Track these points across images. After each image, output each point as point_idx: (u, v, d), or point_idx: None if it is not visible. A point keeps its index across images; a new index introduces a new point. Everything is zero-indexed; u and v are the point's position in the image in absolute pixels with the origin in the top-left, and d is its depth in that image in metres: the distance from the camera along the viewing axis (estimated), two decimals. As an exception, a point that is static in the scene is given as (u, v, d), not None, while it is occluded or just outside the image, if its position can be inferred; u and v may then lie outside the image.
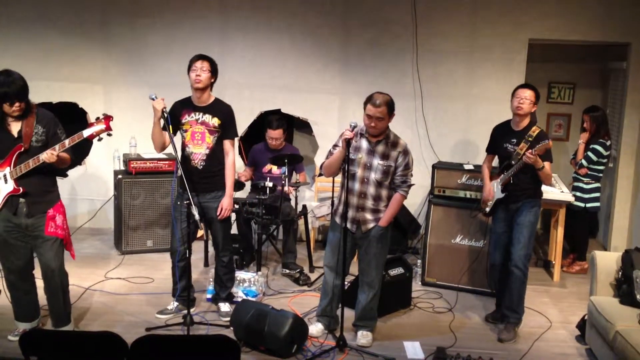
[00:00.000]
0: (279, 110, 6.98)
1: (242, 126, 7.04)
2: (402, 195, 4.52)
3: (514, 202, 4.80)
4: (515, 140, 4.73)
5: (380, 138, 4.43)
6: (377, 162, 4.42)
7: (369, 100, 4.37)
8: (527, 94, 4.71)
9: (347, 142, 4.29)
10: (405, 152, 4.47)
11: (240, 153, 7.15)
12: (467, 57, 6.83)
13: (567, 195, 6.04)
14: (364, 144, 4.44)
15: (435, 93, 6.88)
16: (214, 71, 4.76)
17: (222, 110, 4.84)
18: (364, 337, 4.64)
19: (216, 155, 4.83)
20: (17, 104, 4.04)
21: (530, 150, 4.53)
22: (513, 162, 4.71)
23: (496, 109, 6.34)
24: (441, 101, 6.90)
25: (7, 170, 4.13)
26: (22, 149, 4.12)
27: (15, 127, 4.15)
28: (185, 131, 4.77)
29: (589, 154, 6.16)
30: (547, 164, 4.65)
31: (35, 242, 4.27)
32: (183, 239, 4.78)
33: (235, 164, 4.96)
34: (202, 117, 4.78)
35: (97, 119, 4.25)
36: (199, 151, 4.77)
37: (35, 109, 4.20)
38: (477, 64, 6.83)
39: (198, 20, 6.98)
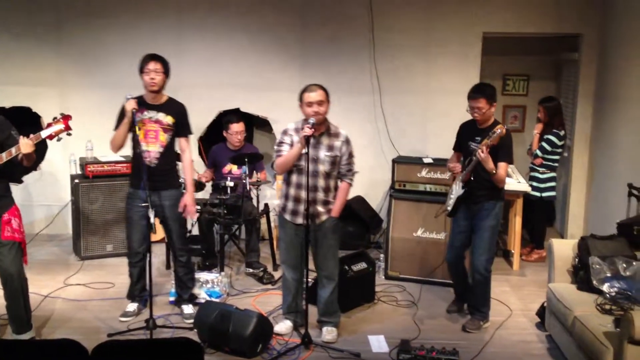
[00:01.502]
0: (237, 110, 6.94)
1: (200, 127, 6.99)
2: (349, 184, 4.64)
3: (474, 202, 4.78)
4: (479, 138, 4.66)
5: (322, 130, 4.49)
6: (323, 154, 4.47)
7: (304, 90, 4.47)
8: (480, 104, 4.64)
9: (307, 139, 4.30)
10: (348, 141, 4.58)
11: (200, 154, 7.09)
12: (424, 51, 6.89)
13: (523, 186, 6.15)
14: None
15: (394, 88, 6.93)
16: (167, 71, 4.73)
17: (176, 108, 4.82)
18: (329, 333, 4.66)
19: (169, 154, 4.82)
20: None
21: (484, 142, 4.47)
22: (474, 157, 4.65)
23: (454, 102, 6.41)
24: (400, 95, 6.95)
25: (-41, 175, 4.04)
26: None
27: None
28: (139, 129, 4.71)
29: (544, 144, 6.29)
30: (502, 165, 4.60)
31: None
32: (140, 239, 4.77)
33: (192, 161, 4.92)
34: (155, 115, 4.74)
35: (55, 118, 4.18)
36: (152, 149, 4.72)
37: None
38: (433, 58, 6.90)
39: (154, 20, 6.89)
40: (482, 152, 4.47)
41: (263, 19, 6.90)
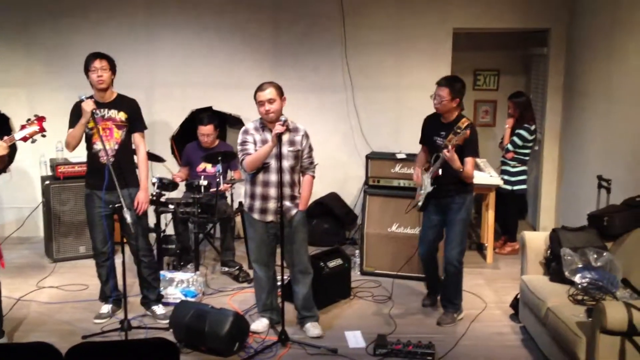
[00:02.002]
0: (210, 108, 6.90)
1: (173, 126, 6.94)
2: (312, 176, 4.72)
3: (443, 196, 4.81)
4: (444, 133, 4.67)
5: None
6: (286, 149, 4.49)
7: (257, 89, 4.50)
8: (442, 92, 4.67)
9: (279, 137, 4.31)
10: (307, 135, 4.64)
11: (172, 153, 7.03)
12: (395, 47, 6.92)
13: (495, 179, 6.21)
14: (268, 135, 4.48)
15: (366, 84, 6.95)
16: (113, 68, 4.70)
17: (127, 104, 4.79)
18: (315, 328, 4.68)
19: (126, 150, 4.78)
20: None
21: (449, 139, 4.48)
22: (441, 154, 4.66)
23: (425, 98, 6.35)
24: (372, 92, 6.98)
25: None
26: None
27: None
28: (91, 129, 4.64)
29: (515, 138, 6.36)
30: (469, 160, 4.63)
31: None
32: (102, 239, 4.77)
33: (147, 157, 4.90)
34: (107, 112, 4.70)
35: (29, 120, 4.13)
36: (108, 147, 4.64)
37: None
38: (405, 54, 6.94)
39: (124, 19, 6.82)
40: (448, 151, 4.50)
41: (234, 18, 6.88)
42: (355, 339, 4.62)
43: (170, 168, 6.49)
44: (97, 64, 4.61)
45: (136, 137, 4.81)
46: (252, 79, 6.89)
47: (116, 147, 4.69)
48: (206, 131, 6.07)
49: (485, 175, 6.23)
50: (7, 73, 6.83)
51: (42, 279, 5.78)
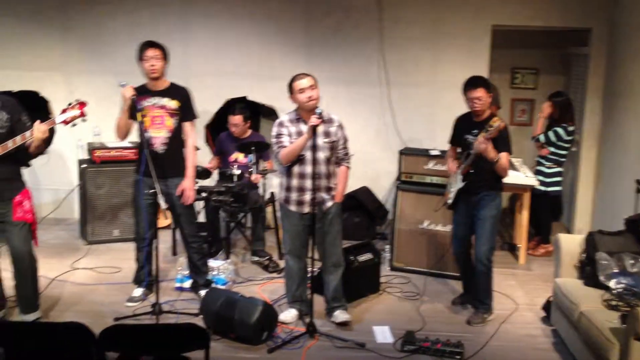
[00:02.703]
0: (244, 98, 6.93)
1: (207, 114, 6.98)
2: (348, 167, 4.71)
3: (474, 193, 4.78)
4: (476, 131, 4.65)
5: None
6: (321, 141, 4.48)
7: (293, 80, 4.49)
8: (480, 93, 4.63)
9: (314, 129, 4.31)
10: (341, 125, 4.64)
11: (207, 142, 7.09)
12: (431, 44, 6.87)
13: (531, 180, 6.13)
14: (303, 127, 4.47)
15: (401, 80, 6.91)
16: (166, 57, 4.74)
17: (180, 92, 4.83)
18: (343, 314, 4.70)
19: (177, 139, 4.82)
20: None
21: (483, 134, 4.47)
22: (472, 151, 4.65)
23: (461, 95, 6.38)
24: (407, 88, 6.94)
25: (-28, 157, 4.05)
26: None
27: None
28: (144, 116, 4.70)
29: (550, 134, 6.25)
30: (504, 155, 4.59)
31: (3, 228, 4.21)
32: (149, 224, 4.82)
33: (195, 146, 4.94)
34: (159, 101, 4.75)
35: (70, 104, 4.19)
36: (160, 135, 4.73)
37: (-4, 96, 4.12)
38: (441, 51, 6.88)
39: (158, 7, 6.88)
40: (483, 142, 4.46)
41: (268, 8, 6.88)
42: (383, 334, 4.61)
43: (204, 156, 6.54)
44: (151, 52, 4.64)
45: (186, 125, 4.85)
46: (285, 70, 6.90)
47: (168, 135, 4.75)
48: (235, 121, 6.09)
49: (520, 175, 6.15)
50: (44, 57, 6.94)
51: (77, 260, 5.88)
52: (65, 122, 4.17)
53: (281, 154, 4.51)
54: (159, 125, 4.73)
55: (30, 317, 4.37)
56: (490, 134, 4.45)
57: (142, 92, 4.73)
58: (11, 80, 6.78)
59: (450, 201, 4.98)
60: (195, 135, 4.93)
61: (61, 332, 3.01)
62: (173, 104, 4.76)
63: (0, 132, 4.08)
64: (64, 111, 4.19)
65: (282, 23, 6.91)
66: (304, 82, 4.44)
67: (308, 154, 4.46)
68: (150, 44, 4.68)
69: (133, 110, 4.61)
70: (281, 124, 4.56)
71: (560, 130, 6.24)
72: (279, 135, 4.53)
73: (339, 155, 4.64)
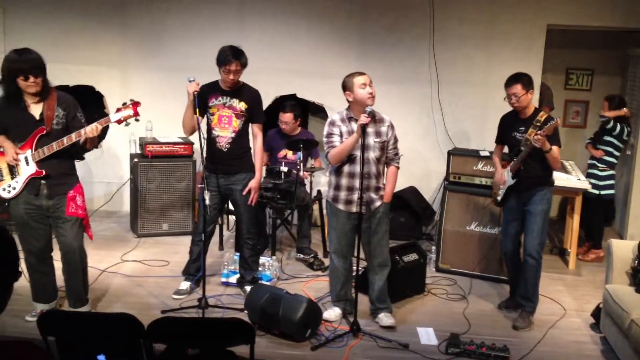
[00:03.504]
0: (294, 96, 6.97)
1: (257, 111, 7.03)
2: (397, 167, 4.68)
3: (525, 189, 4.76)
4: (523, 128, 4.67)
5: None
6: (372, 140, 4.47)
7: (351, 76, 4.48)
8: (515, 89, 4.64)
9: (363, 128, 4.29)
10: (392, 125, 4.62)
11: (255, 137, 7.14)
12: (485, 43, 6.77)
13: (583, 183, 5.99)
14: (355, 126, 4.45)
15: (452, 79, 6.84)
16: (244, 66, 4.75)
17: (249, 94, 4.87)
18: (388, 318, 4.68)
19: (241, 139, 4.88)
20: (32, 79, 4.04)
21: (539, 132, 4.47)
22: (522, 148, 4.64)
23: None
24: (458, 87, 6.86)
25: (28, 152, 4.18)
26: (44, 131, 4.15)
27: (36, 110, 4.18)
28: (212, 114, 4.78)
29: (617, 126, 6.07)
30: (555, 148, 4.58)
31: (55, 222, 4.32)
32: (209, 221, 4.87)
33: (263, 147, 5.02)
34: (229, 101, 4.80)
35: (125, 104, 4.28)
36: (225, 134, 4.80)
37: (54, 92, 4.23)
38: (495, 50, 6.78)
39: (216, 4, 6.96)
40: (539, 139, 4.43)
41: (323, 6, 6.89)
42: (427, 336, 4.58)
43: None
44: (234, 67, 4.64)
45: (254, 127, 4.92)
46: (336, 68, 6.91)
47: (233, 135, 4.81)
48: (286, 119, 6.13)
49: (573, 178, 6.02)
50: (103, 52, 7.11)
51: (126, 252, 6.02)
52: (119, 121, 4.26)
53: (331, 154, 4.50)
54: (225, 125, 4.80)
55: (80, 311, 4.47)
56: (547, 130, 4.44)
57: (214, 89, 4.79)
58: (70, 75, 6.96)
59: (499, 198, 4.94)
60: (262, 136, 4.98)
61: (111, 323, 3.07)
62: (242, 105, 4.81)
63: (56, 128, 4.20)
64: (118, 110, 4.28)
65: (336, 21, 6.92)
66: (364, 78, 4.44)
67: (358, 153, 4.44)
68: (235, 56, 4.65)
69: (204, 107, 4.67)
70: (332, 123, 4.55)
71: (626, 127, 6.09)
72: (330, 135, 4.53)
73: (389, 155, 4.61)
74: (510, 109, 4.87)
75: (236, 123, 4.81)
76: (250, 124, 4.90)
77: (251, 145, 4.98)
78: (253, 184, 4.87)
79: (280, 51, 7.00)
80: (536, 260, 4.75)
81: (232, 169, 4.78)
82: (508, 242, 4.98)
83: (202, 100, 4.69)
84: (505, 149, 5.01)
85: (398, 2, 6.82)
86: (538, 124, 4.53)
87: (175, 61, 6.94)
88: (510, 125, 4.81)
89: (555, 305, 5.20)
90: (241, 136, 4.85)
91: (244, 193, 4.85)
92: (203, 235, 4.76)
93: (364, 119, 4.29)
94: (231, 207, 5.29)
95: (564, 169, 6.20)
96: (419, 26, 6.79)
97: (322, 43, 6.97)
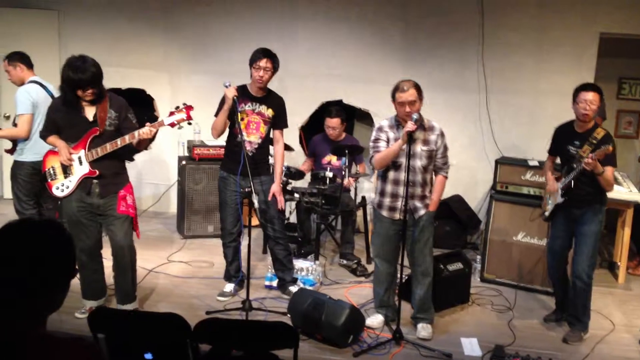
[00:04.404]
0: (340, 101, 6.98)
1: (302, 116, 7.08)
2: (445, 177, 4.60)
3: (575, 208, 4.60)
4: (578, 143, 4.50)
5: (417, 125, 4.41)
6: (419, 148, 4.43)
7: (396, 89, 4.43)
8: (591, 96, 4.43)
9: (409, 135, 4.28)
10: (442, 134, 4.53)
11: (300, 143, 7.19)
12: (535, 50, 6.67)
13: (635, 195, 5.84)
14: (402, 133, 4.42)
15: (501, 86, 6.75)
16: (275, 68, 4.85)
17: (276, 101, 4.98)
18: (424, 330, 4.63)
19: (266, 145, 5.01)
20: (89, 90, 4.16)
21: (590, 155, 4.31)
22: (575, 165, 4.48)
23: (565, 104, 6.11)
24: (507, 95, 6.77)
25: (81, 152, 4.29)
26: (97, 132, 4.26)
27: (90, 112, 4.29)
28: (242, 120, 4.84)
29: None
30: (609, 169, 4.39)
31: (106, 220, 4.43)
32: (233, 221, 4.99)
33: (284, 153, 5.11)
34: (258, 107, 4.89)
35: (178, 107, 4.36)
36: (253, 140, 4.91)
37: (107, 94, 4.34)
38: (544, 58, 6.66)
39: (259, 9, 7.04)
40: (589, 161, 4.28)
41: (364, 10, 6.90)
42: (471, 346, 4.52)
43: (298, 158, 6.63)
44: (263, 63, 4.77)
45: (277, 133, 5.02)
46: (381, 74, 6.92)
47: (259, 141, 4.92)
48: (333, 124, 6.15)
49: (624, 190, 5.87)
50: (149, 56, 7.26)
51: (173, 253, 6.11)
52: (172, 125, 4.35)
53: (375, 159, 4.50)
54: (253, 131, 4.90)
55: (128, 308, 4.57)
56: (599, 155, 4.28)
57: (243, 93, 4.86)
58: (123, 77, 7.12)
59: (547, 213, 4.82)
60: (283, 142, 5.10)
61: (159, 322, 3.13)
62: (269, 112, 4.92)
63: (108, 129, 4.30)
64: (171, 114, 4.36)
65: (378, 26, 6.91)
66: (404, 96, 4.35)
67: (404, 161, 4.41)
68: (265, 54, 4.79)
69: (233, 111, 4.74)
70: (380, 129, 4.54)
71: None
72: (376, 140, 4.52)
73: (437, 164, 4.55)
74: (565, 119, 4.74)
75: (263, 129, 4.91)
76: (272, 130, 4.99)
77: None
78: (276, 188, 4.96)
79: (324, 57, 7.03)
80: (585, 283, 4.61)
81: (253, 172, 4.77)
82: (553, 258, 4.86)
83: (233, 104, 4.76)
84: (558, 160, 4.89)
85: (443, 7, 6.77)
86: (594, 141, 4.33)
87: (220, 66, 7.03)
88: (566, 138, 4.65)
89: (604, 320, 5.07)
90: (267, 141, 5.00)
91: (269, 199, 4.94)
92: (235, 235, 4.94)
93: (410, 125, 4.26)
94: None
95: (616, 181, 6.04)
96: (465, 31, 6.73)
97: (366, 48, 6.97)
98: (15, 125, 5.42)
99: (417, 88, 4.41)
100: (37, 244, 1.81)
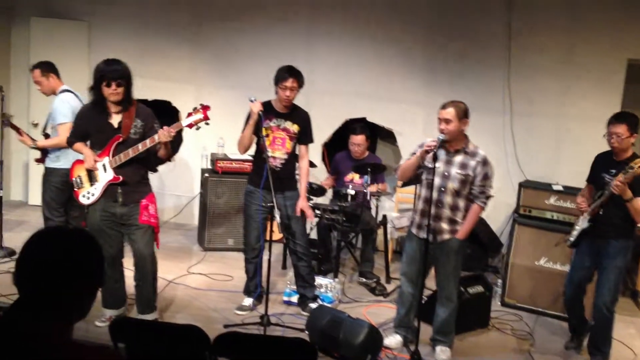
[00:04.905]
0: (364, 119, 6.99)
1: (326, 133, 7.09)
2: (480, 207, 4.47)
3: (601, 237, 4.50)
4: (614, 171, 4.39)
5: (459, 147, 4.42)
6: (455, 171, 4.40)
7: (443, 106, 4.43)
8: (620, 129, 4.36)
9: (426, 152, 4.28)
10: (485, 162, 4.43)
11: (323, 160, 7.20)
12: (562, 74, 6.62)
13: (660, 224, 5.75)
14: (442, 153, 4.41)
15: (526, 109, 6.72)
16: (301, 85, 4.88)
17: (301, 116, 5.00)
18: (443, 353, 4.58)
19: (292, 160, 5.02)
20: (113, 86, 4.19)
21: (619, 178, 4.22)
22: (606, 191, 4.39)
23: (591, 129, 6.09)
24: (532, 118, 6.73)
25: (105, 159, 4.34)
26: (121, 139, 4.31)
27: (116, 119, 4.34)
28: (267, 136, 4.87)
29: None
30: (639, 199, 4.30)
31: (128, 230, 4.46)
32: (257, 236, 4.99)
33: (309, 168, 5.14)
34: (283, 123, 4.92)
35: (195, 108, 4.39)
36: (278, 156, 4.92)
37: (135, 103, 4.39)
38: (572, 83, 6.62)
39: (285, 27, 7.10)
40: (619, 186, 4.21)
41: (389, 29, 6.91)
42: (490, 371, 4.47)
43: (320, 174, 6.64)
44: (290, 83, 4.80)
45: (302, 148, 5.05)
46: (405, 92, 6.92)
47: (285, 157, 4.94)
48: (358, 141, 6.16)
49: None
50: (176, 69, 7.34)
51: (193, 265, 6.14)
52: (190, 125, 4.36)
53: (398, 169, 4.58)
54: (279, 147, 4.92)
55: (147, 317, 4.58)
56: (627, 178, 4.20)
57: (268, 110, 4.89)
58: (150, 89, 7.17)
59: (572, 239, 4.73)
60: (308, 158, 5.11)
61: (179, 333, 3.14)
62: (294, 128, 4.95)
63: (133, 137, 4.34)
64: (189, 115, 4.39)
65: (403, 45, 6.92)
66: (441, 113, 4.37)
67: (437, 180, 4.39)
68: (291, 73, 4.81)
69: (259, 126, 4.77)
70: (421, 145, 4.46)
71: None
72: (413, 153, 4.53)
73: (473, 192, 4.43)
74: (592, 145, 4.67)
75: (289, 145, 4.93)
76: (299, 145, 5.01)
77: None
78: (304, 204, 4.99)
79: (348, 75, 7.06)
80: (607, 317, 4.52)
81: (279, 187, 4.79)
82: (571, 289, 4.78)
83: (258, 119, 4.79)
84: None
85: (468, 28, 6.76)
86: (631, 170, 4.22)
87: (244, 80, 7.08)
88: (603, 166, 4.55)
89: (625, 350, 4.99)
90: (293, 156, 5.01)
91: (297, 214, 4.95)
92: (258, 251, 4.96)
93: (428, 141, 4.27)
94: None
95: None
96: (492, 53, 6.71)
97: (390, 67, 6.98)
98: (46, 135, 5.52)
99: (459, 109, 4.37)
100: (70, 251, 1.83)
